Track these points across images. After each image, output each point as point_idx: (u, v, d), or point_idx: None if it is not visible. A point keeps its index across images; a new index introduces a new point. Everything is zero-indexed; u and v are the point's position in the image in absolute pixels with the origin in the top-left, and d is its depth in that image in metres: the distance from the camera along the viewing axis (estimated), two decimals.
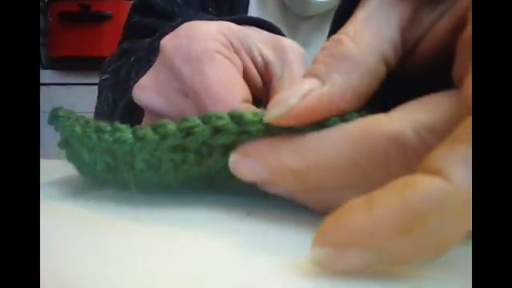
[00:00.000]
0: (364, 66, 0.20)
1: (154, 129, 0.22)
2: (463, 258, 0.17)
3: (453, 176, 0.15)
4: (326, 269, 0.15)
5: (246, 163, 0.20)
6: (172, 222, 0.22)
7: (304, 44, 0.54)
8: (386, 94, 0.21)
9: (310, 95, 0.20)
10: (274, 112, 0.20)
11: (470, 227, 0.15)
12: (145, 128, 0.22)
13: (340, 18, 0.25)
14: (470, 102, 0.16)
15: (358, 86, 0.20)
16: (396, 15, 0.22)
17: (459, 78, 0.19)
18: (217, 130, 0.21)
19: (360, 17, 0.22)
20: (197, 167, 0.23)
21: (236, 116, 0.21)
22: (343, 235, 0.15)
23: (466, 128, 0.15)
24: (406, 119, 0.18)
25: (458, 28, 0.21)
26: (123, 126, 0.22)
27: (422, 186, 0.15)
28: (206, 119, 0.21)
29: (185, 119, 0.22)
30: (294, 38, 0.55)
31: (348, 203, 0.16)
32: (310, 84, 0.20)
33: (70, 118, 0.25)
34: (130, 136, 0.22)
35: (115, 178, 0.24)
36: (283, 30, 0.58)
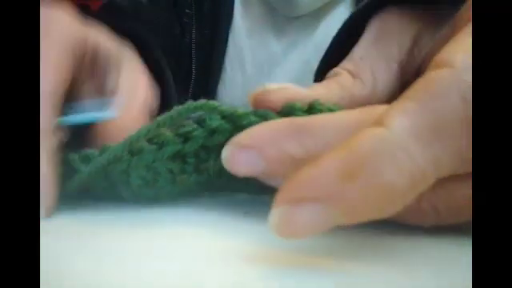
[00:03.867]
0: (351, 93, 0.23)
1: (150, 140, 0.22)
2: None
3: (392, 124, 0.16)
4: (285, 235, 0.15)
5: (241, 155, 0.19)
6: (170, 222, 0.22)
7: (291, 45, 0.54)
8: None
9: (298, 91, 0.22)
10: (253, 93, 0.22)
11: (414, 172, 0.15)
12: (140, 141, 0.21)
13: (337, 47, 0.26)
14: (431, 65, 0.17)
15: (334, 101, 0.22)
16: (394, 50, 0.24)
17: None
18: (212, 131, 0.21)
19: (357, 54, 0.24)
20: (195, 175, 0.23)
21: (227, 114, 0.21)
22: (296, 189, 0.15)
23: (413, 87, 0.17)
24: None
25: None
26: (114, 145, 0.22)
27: (363, 134, 0.16)
28: (200, 121, 0.21)
29: (181, 125, 0.22)
30: (280, 38, 0.55)
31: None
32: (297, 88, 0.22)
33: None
34: (125, 153, 0.21)
35: (111, 195, 0.24)
36: (270, 30, 0.58)
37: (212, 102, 0.21)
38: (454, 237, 0.19)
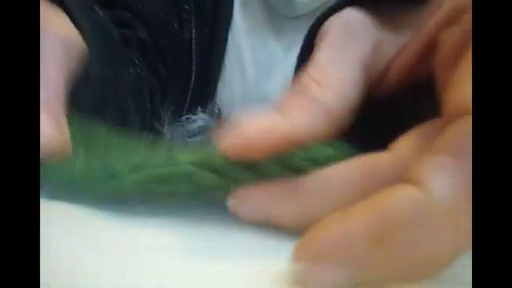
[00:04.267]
0: (327, 108, 0.20)
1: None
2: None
3: (429, 185, 0.14)
4: (303, 284, 0.15)
5: (245, 209, 0.20)
6: (170, 220, 0.22)
7: (290, 45, 0.54)
8: (361, 123, 0.21)
9: (267, 129, 0.19)
10: (229, 141, 0.19)
11: (459, 242, 0.14)
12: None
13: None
14: (450, 108, 0.15)
15: (318, 127, 0.20)
16: (356, 55, 0.22)
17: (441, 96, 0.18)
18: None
19: (321, 60, 0.22)
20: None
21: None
22: (319, 248, 0.15)
23: (444, 138, 0.15)
24: (406, 157, 0.18)
25: (425, 52, 0.21)
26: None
27: (395, 195, 0.14)
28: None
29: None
30: (280, 38, 0.55)
31: (327, 217, 0.15)
32: (272, 118, 0.20)
33: None
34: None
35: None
36: (269, 30, 0.58)
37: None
38: None
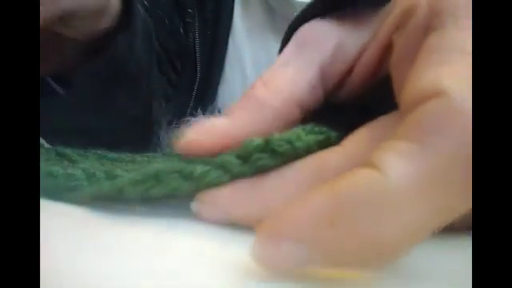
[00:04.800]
0: (269, 108, 0.22)
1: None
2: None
3: (385, 167, 0.14)
4: (265, 266, 0.15)
5: (208, 211, 0.20)
6: (170, 219, 0.22)
7: None
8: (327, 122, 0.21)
9: (209, 128, 0.21)
10: (182, 139, 0.21)
11: (414, 226, 0.14)
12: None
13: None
14: (406, 101, 0.16)
15: (259, 125, 0.21)
16: (315, 56, 0.23)
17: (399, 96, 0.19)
18: (174, 190, 0.21)
19: (277, 63, 0.23)
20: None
21: (186, 173, 0.20)
22: (278, 227, 0.15)
23: (402, 126, 0.15)
24: (355, 153, 0.18)
25: (382, 55, 0.21)
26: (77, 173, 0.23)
27: (352, 176, 0.15)
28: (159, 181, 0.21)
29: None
30: (280, 40, 0.55)
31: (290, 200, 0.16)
32: (217, 119, 0.21)
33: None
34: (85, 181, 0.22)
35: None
36: (269, 31, 0.58)
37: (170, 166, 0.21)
38: (454, 237, 0.19)
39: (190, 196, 0.21)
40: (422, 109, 0.15)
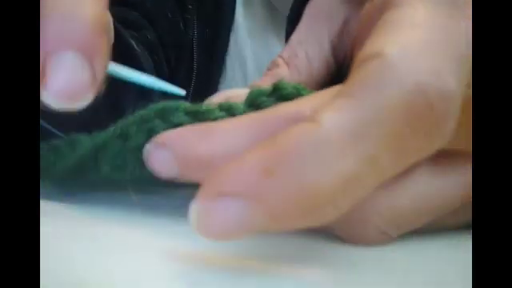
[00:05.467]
0: None
1: (119, 135, 0.21)
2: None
3: (320, 118, 0.14)
4: (206, 234, 0.14)
5: (158, 154, 0.19)
6: (169, 218, 0.22)
7: None
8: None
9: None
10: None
11: (346, 175, 0.14)
12: (104, 133, 0.22)
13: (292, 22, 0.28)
14: (353, 67, 0.16)
15: None
16: (325, 33, 0.25)
17: None
18: (175, 126, 0.21)
19: (294, 40, 0.25)
20: None
21: (191, 110, 0.21)
22: (214, 185, 0.14)
23: (344, 84, 0.16)
24: (306, 103, 0.19)
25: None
26: (81, 137, 0.22)
27: (292, 128, 0.15)
28: (164, 118, 0.21)
29: (145, 120, 0.21)
30: (282, 38, 0.55)
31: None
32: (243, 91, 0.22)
33: None
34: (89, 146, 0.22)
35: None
36: (271, 30, 0.58)
37: (176, 102, 0.21)
38: (454, 237, 0.19)
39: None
40: (360, 68, 0.16)
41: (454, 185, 0.18)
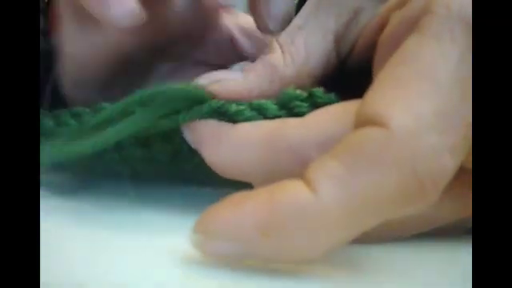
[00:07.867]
0: (281, 76, 0.22)
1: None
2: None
3: (317, 187, 0.15)
4: (203, 254, 0.16)
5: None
6: (169, 217, 0.22)
7: None
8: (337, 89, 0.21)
9: (226, 82, 0.21)
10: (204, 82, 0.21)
11: (333, 241, 0.15)
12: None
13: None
14: (359, 117, 0.16)
15: (266, 90, 0.21)
16: (331, 21, 0.23)
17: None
18: None
19: (295, 23, 0.23)
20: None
21: (221, 111, 0.21)
22: (211, 226, 0.16)
23: (343, 145, 0.16)
24: (313, 124, 0.19)
25: (379, 31, 0.21)
26: (105, 104, 0.22)
27: (289, 191, 0.15)
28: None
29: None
30: None
31: (231, 196, 0.16)
32: (235, 75, 0.22)
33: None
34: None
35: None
36: None
37: (202, 93, 0.21)
38: (453, 236, 0.19)
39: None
40: (359, 133, 0.16)
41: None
